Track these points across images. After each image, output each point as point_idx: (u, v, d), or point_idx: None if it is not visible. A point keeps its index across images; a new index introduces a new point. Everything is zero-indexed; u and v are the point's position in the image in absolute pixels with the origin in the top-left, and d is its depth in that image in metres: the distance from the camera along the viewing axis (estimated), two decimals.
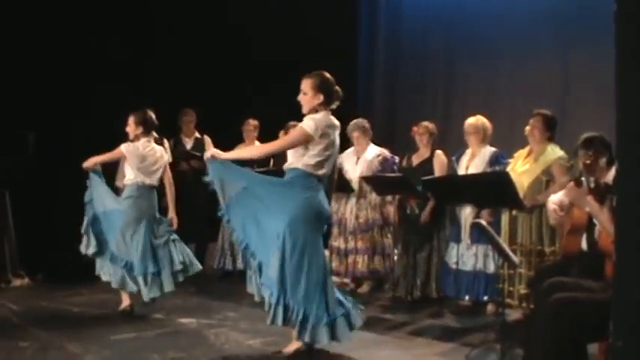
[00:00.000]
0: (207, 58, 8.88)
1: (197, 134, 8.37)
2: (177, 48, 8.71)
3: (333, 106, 4.87)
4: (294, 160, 4.78)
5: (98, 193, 6.32)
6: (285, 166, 4.88)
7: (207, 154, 5.09)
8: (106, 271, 6.24)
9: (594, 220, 4.24)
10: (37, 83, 7.71)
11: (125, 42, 8.33)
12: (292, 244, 4.66)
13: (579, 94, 7.45)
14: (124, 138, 7.61)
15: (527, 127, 6.02)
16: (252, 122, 8.22)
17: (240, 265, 8.11)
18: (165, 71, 8.50)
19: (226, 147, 8.18)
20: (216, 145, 8.16)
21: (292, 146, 4.79)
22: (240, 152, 5.62)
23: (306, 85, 4.79)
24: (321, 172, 4.78)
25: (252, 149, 5.43)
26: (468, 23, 8.47)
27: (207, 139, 8.35)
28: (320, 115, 4.76)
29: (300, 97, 4.82)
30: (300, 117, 7.69)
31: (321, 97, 4.77)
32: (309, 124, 4.71)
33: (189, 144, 8.32)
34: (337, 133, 4.88)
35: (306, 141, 4.71)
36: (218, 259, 8.19)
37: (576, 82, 7.51)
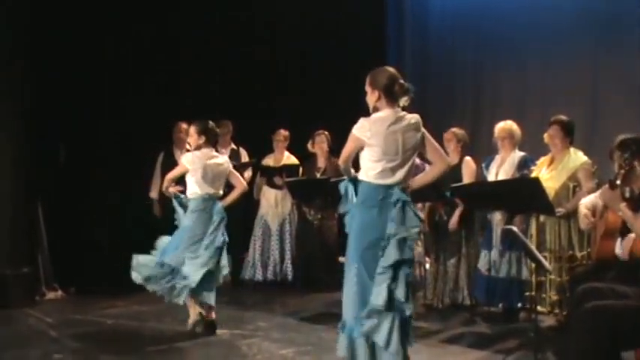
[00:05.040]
0: (238, 71, 8.91)
1: (233, 145, 8.36)
2: (210, 61, 8.75)
3: (401, 103, 4.42)
4: (361, 170, 4.43)
5: (178, 218, 6.20)
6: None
7: None
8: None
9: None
10: (69, 95, 7.78)
11: (157, 54, 8.39)
12: (355, 274, 4.30)
13: (609, 98, 7.36)
14: (156, 150, 7.71)
15: (546, 136, 5.98)
16: (283, 133, 8.25)
17: (270, 275, 8.15)
18: (198, 83, 8.55)
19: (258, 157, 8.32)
20: (250, 157, 8.24)
21: (349, 154, 4.44)
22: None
23: (366, 83, 4.45)
24: (389, 180, 4.32)
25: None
26: (497, 29, 8.38)
27: (243, 151, 8.36)
28: (378, 114, 4.39)
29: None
30: (330, 123, 7.77)
31: (377, 94, 4.37)
32: (357, 125, 4.36)
33: (224, 155, 8.31)
34: (408, 131, 4.38)
35: (358, 145, 4.37)
36: (249, 269, 8.21)
37: (606, 85, 7.42)
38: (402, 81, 4.44)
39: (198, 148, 6.11)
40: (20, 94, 7.46)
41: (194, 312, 6.10)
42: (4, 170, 7.38)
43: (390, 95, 4.39)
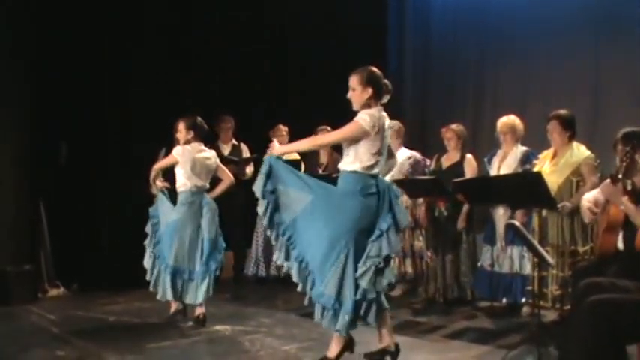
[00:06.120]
0: (238, 71, 8.91)
1: (234, 141, 8.42)
2: (210, 61, 8.75)
3: (384, 100, 4.71)
4: (350, 160, 4.62)
5: (162, 212, 6.33)
6: (340, 166, 4.71)
7: (269, 152, 4.84)
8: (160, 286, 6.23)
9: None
10: (69, 95, 7.78)
11: (157, 54, 8.38)
12: (346, 254, 4.55)
13: (612, 93, 7.36)
14: (158, 146, 7.69)
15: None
16: (283, 128, 8.27)
17: (273, 271, 8.15)
18: (198, 83, 8.54)
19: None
20: (251, 152, 8.26)
21: (346, 140, 4.62)
22: (294, 145, 5.15)
23: (354, 80, 4.64)
24: (375, 172, 4.62)
25: (307, 141, 4.98)
26: (498, 26, 8.38)
27: (244, 147, 8.39)
28: (374, 111, 4.61)
29: (350, 94, 4.68)
30: (331, 122, 7.77)
31: (370, 91, 4.61)
32: (365, 118, 4.54)
33: (226, 151, 8.32)
34: (388, 128, 4.74)
35: (362, 136, 4.55)
36: (252, 265, 8.22)
37: (608, 81, 7.43)
38: (385, 80, 4.73)
39: (187, 143, 6.27)
40: (20, 94, 7.48)
41: (175, 303, 6.26)
42: (6, 169, 7.40)
43: (381, 93, 4.67)
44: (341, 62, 8.62)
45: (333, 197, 4.64)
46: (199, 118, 6.33)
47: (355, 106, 4.70)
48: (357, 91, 4.65)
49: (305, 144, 4.99)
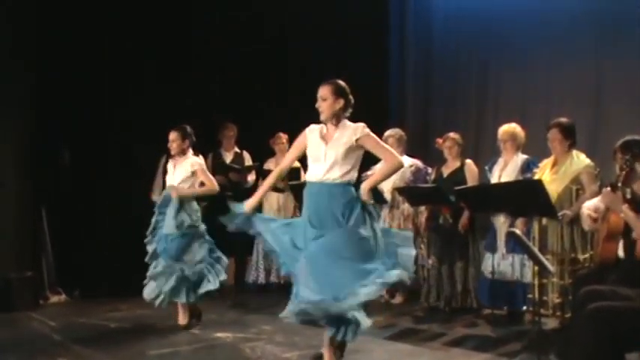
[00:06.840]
0: (238, 71, 8.88)
1: (236, 149, 8.41)
2: (210, 61, 8.72)
3: (347, 114, 4.83)
4: (346, 171, 4.72)
5: (170, 214, 6.28)
6: (337, 178, 4.70)
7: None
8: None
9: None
10: (69, 96, 7.77)
11: (157, 55, 8.36)
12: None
13: (613, 100, 7.34)
14: (157, 150, 7.68)
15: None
16: (283, 135, 8.22)
17: (274, 278, 8.13)
18: (198, 83, 8.52)
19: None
20: (253, 160, 8.22)
21: None
22: (382, 173, 4.90)
23: (326, 91, 4.74)
24: None
25: (391, 166, 4.88)
26: (500, 32, 8.33)
27: (246, 155, 8.39)
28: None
29: (319, 104, 4.76)
30: None
31: (342, 103, 4.74)
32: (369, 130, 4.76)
33: (228, 158, 8.33)
34: None
35: None
36: (252, 273, 8.21)
37: (610, 87, 7.41)
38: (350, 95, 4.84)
39: (183, 152, 6.29)
40: (20, 94, 7.47)
41: (185, 313, 6.30)
42: (8, 173, 7.39)
43: (348, 106, 4.81)
44: (341, 62, 8.68)
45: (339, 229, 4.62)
46: (189, 127, 6.36)
47: (323, 117, 4.78)
48: (328, 102, 4.74)
49: (386, 173, 4.90)
